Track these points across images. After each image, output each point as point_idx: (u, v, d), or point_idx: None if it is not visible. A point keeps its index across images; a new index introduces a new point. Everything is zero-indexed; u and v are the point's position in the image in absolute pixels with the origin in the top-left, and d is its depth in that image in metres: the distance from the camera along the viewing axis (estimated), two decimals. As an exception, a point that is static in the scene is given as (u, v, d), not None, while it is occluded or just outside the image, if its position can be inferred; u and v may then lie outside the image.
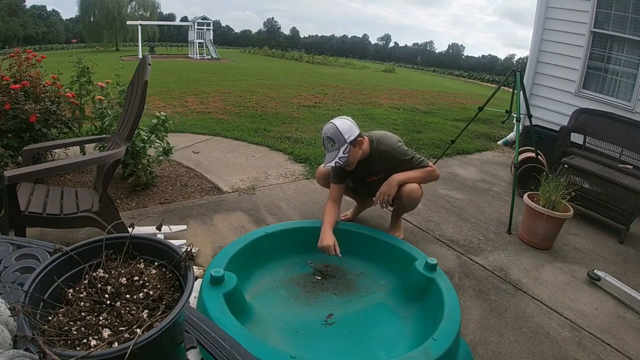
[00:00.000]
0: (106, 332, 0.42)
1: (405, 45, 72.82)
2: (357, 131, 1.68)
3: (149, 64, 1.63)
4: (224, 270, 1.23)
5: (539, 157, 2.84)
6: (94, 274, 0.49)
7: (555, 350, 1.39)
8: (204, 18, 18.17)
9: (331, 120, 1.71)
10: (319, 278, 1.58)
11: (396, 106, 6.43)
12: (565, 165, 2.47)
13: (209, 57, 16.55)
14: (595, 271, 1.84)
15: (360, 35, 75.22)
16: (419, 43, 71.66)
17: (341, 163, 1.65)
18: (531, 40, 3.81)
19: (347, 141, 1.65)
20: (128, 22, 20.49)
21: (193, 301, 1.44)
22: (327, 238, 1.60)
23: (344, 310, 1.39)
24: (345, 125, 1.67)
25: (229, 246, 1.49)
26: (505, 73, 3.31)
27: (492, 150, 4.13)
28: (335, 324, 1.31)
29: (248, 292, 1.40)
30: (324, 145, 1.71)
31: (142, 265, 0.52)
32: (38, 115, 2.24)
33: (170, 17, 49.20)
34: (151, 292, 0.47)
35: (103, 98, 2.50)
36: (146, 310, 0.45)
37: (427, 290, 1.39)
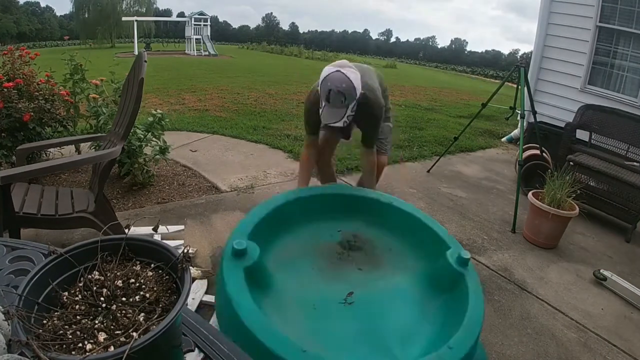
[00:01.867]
0: (102, 336, 0.41)
1: (407, 40, 72.47)
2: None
3: (145, 61, 1.59)
4: (246, 241, 1.15)
5: (544, 154, 2.80)
6: (90, 276, 0.49)
7: (560, 351, 1.38)
8: (201, 13, 18.02)
9: (337, 68, 1.38)
10: (345, 250, 1.46)
11: (398, 102, 6.38)
12: (571, 163, 2.43)
13: (207, 53, 16.44)
14: (601, 271, 1.82)
15: (361, 31, 74.64)
16: (421, 38, 71.28)
17: (348, 122, 1.41)
18: (535, 35, 3.76)
19: (357, 97, 1.39)
20: (123, 18, 20.30)
21: (191, 302, 1.41)
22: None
23: (365, 289, 1.32)
24: (357, 78, 1.39)
25: (253, 212, 1.37)
26: (509, 68, 3.26)
27: (496, 147, 4.10)
28: (354, 304, 1.26)
29: (269, 261, 1.30)
30: (327, 98, 1.38)
31: (138, 267, 0.51)
32: (32, 113, 2.21)
33: (167, 12, 48.73)
34: (147, 295, 0.47)
35: (98, 96, 2.46)
36: (142, 313, 0.45)
37: (455, 285, 1.30)
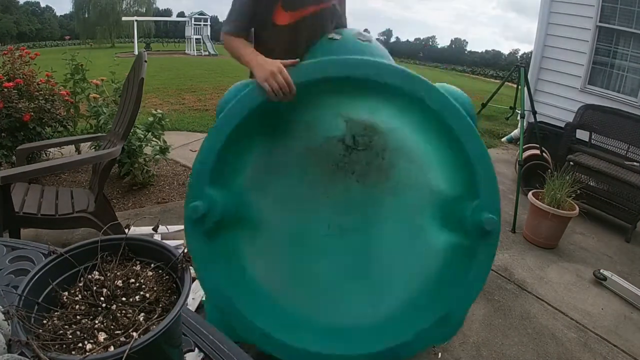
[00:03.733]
0: (102, 336, 0.41)
1: (407, 40, 72.27)
2: None
3: (145, 61, 1.59)
4: (202, 202, 0.93)
5: (544, 154, 2.80)
6: (90, 276, 0.49)
7: (560, 351, 1.38)
8: (201, 13, 17.98)
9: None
10: (346, 152, 1.10)
11: (397, 102, 6.36)
12: (571, 163, 2.43)
13: (207, 53, 16.41)
14: (601, 271, 1.81)
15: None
16: (421, 38, 71.10)
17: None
18: (535, 34, 3.76)
19: None
20: (123, 18, 20.29)
21: (191, 302, 1.41)
22: (270, 63, 1.01)
23: (359, 214, 1.05)
24: None
25: (221, 124, 0.99)
26: (509, 68, 3.26)
27: (496, 147, 4.09)
28: (346, 233, 1.03)
29: (246, 177, 1.06)
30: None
31: (138, 267, 0.52)
32: (32, 113, 2.21)
33: (167, 12, 48.58)
34: (147, 295, 0.47)
35: (98, 96, 2.46)
36: (142, 313, 0.45)
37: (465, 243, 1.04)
